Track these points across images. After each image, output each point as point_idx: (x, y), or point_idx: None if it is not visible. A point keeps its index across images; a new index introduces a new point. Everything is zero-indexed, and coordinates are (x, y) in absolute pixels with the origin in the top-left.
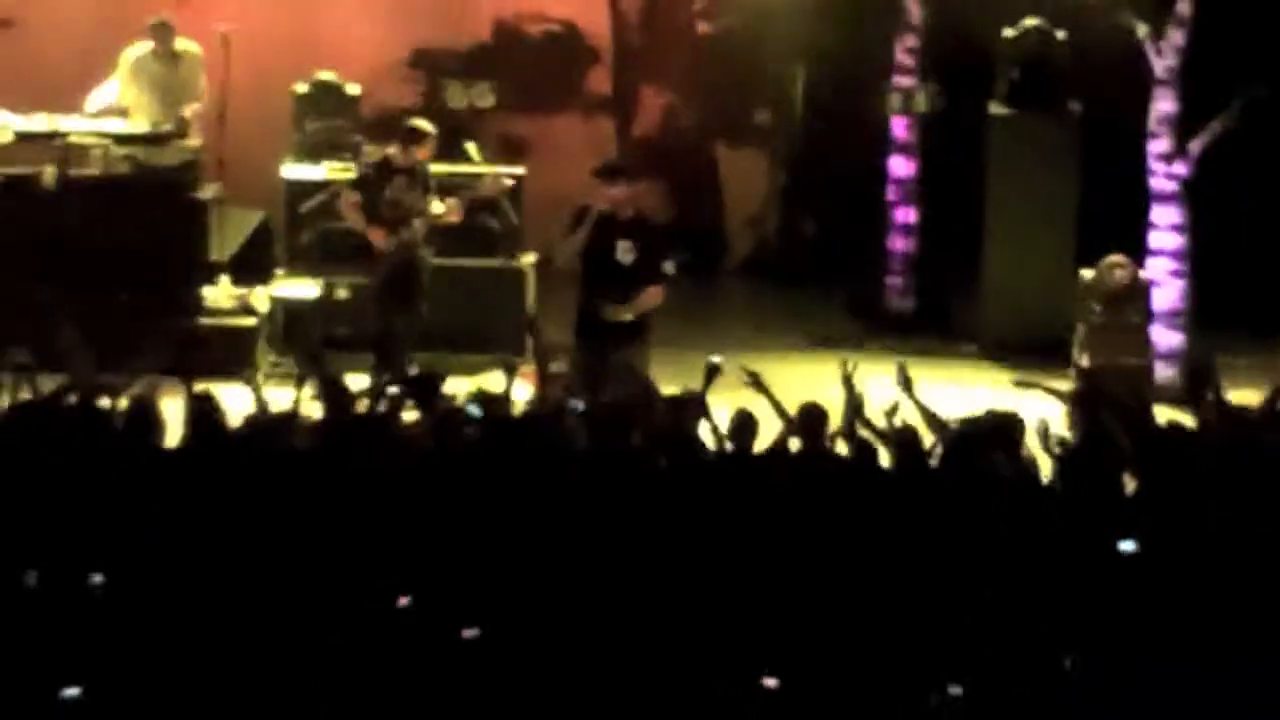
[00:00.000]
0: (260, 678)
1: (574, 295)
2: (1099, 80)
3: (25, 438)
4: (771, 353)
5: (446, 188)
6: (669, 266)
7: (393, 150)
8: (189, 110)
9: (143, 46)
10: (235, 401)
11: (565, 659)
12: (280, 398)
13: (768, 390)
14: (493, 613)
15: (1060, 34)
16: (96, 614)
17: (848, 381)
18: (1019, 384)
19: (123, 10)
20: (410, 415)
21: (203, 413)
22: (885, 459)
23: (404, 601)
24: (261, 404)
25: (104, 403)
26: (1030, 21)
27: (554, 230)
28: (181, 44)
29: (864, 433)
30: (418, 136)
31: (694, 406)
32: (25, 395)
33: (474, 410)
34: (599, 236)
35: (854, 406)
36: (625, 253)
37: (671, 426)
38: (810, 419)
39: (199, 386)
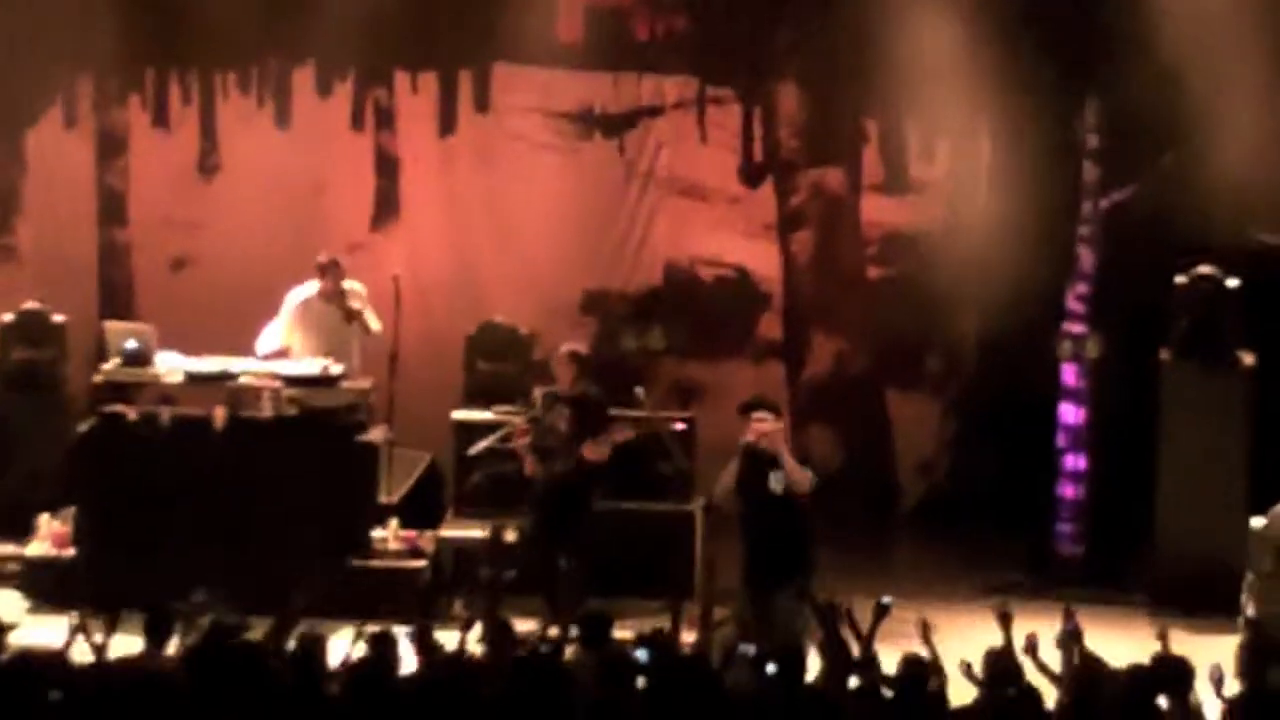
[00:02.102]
0: None
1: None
2: (1272, 328)
3: (199, 675)
4: (941, 600)
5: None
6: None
7: (559, 383)
8: (374, 324)
9: (309, 287)
10: (403, 644)
11: None
12: (448, 641)
13: (930, 642)
14: None
15: (1232, 282)
16: None
17: (1005, 618)
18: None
19: (294, 252)
20: (577, 657)
21: (373, 655)
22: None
23: None
24: (429, 648)
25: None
26: (1202, 270)
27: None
28: (348, 284)
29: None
30: (563, 359)
31: (861, 649)
32: (200, 633)
33: (641, 654)
34: (749, 469)
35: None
36: (777, 482)
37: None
38: (996, 666)
39: (369, 629)
